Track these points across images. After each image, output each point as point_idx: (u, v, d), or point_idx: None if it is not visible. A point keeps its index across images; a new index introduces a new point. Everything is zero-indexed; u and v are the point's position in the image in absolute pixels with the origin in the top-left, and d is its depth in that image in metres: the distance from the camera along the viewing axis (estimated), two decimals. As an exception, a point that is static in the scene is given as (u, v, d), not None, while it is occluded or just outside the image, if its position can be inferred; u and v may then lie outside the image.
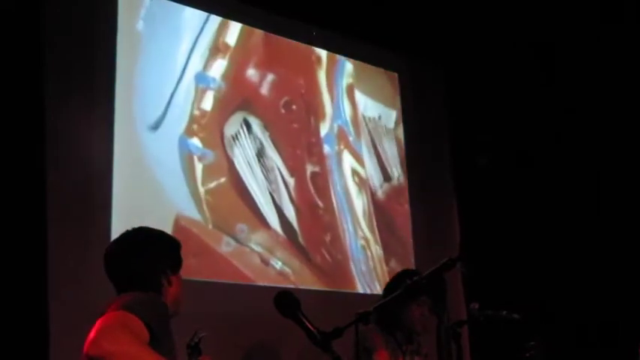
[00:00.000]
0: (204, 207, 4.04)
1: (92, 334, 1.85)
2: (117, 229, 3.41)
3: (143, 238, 2.28)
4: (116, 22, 3.79)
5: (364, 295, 4.57)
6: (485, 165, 5.22)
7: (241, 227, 4.19)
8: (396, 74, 5.27)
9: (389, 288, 3.27)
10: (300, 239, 4.48)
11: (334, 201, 4.76)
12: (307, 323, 2.22)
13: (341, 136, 4.94)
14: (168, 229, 3.35)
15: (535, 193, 5.06)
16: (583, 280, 4.77)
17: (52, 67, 3.47)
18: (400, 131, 5.23)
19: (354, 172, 4.96)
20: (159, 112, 4.00)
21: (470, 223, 5.25)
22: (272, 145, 4.48)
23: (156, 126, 3.96)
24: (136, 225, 2.32)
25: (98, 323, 1.90)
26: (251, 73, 4.50)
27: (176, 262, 2.27)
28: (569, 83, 5.03)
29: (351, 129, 5.02)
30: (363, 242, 4.87)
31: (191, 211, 3.98)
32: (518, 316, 3.19)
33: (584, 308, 4.71)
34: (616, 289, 4.66)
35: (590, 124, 4.95)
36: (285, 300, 2.30)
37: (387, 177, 5.13)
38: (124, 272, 2.18)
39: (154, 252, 2.23)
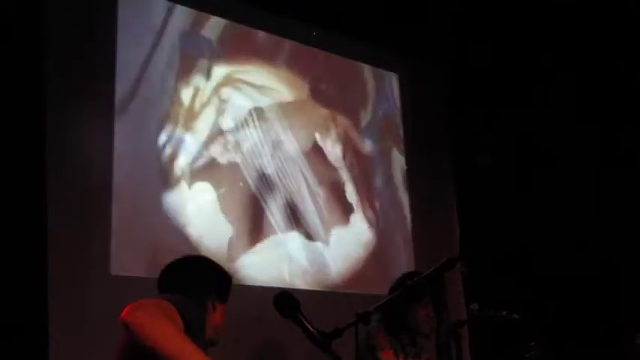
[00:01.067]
0: (195, 229, 3.01)
1: (129, 307, 1.91)
2: (117, 229, 3.43)
3: (200, 262, 2.43)
4: (116, 21, 3.67)
5: (365, 296, 4.48)
6: (486, 165, 5.22)
7: (249, 259, 3.03)
8: (396, 74, 5.20)
9: (391, 291, 3.26)
10: (334, 274, 3.35)
11: (380, 218, 3.57)
12: (307, 324, 2.22)
13: (387, 128, 3.80)
14: (142, 267, 2.82)
15: (535, 192, 5.07)
16: (583, 279, 4.77)
17: (53, 67, 3.49)
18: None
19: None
20: (125, 88, 2.88)
21: (470, 223, 5.25)
22: (293, 140, 3.28)
23: (121, 108, 2.85)
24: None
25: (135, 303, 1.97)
26: (262, 36, 3.30)
27: (224, 294, 2.38)
28: (569, 83, 5.03)
29: (400, 118, 3.83)
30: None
31: (174, 235, 2.92)
32: (518, 317, 3.20)
33: (585, 308, 4.72)
34: (616, 289, 4.67)
35: (590, 123, 4.96)
36: (285, 301, 2.29)
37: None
38: (176, 287, 2.25)
39: (207, 276, 2.34)
